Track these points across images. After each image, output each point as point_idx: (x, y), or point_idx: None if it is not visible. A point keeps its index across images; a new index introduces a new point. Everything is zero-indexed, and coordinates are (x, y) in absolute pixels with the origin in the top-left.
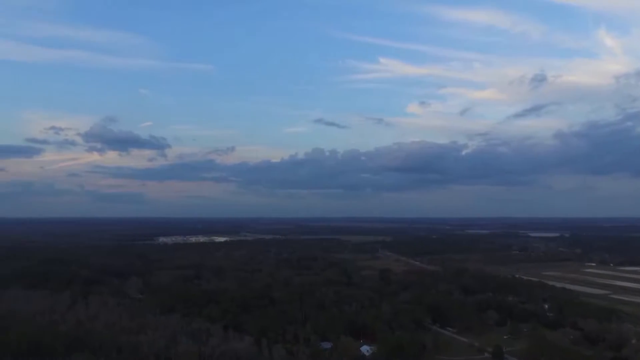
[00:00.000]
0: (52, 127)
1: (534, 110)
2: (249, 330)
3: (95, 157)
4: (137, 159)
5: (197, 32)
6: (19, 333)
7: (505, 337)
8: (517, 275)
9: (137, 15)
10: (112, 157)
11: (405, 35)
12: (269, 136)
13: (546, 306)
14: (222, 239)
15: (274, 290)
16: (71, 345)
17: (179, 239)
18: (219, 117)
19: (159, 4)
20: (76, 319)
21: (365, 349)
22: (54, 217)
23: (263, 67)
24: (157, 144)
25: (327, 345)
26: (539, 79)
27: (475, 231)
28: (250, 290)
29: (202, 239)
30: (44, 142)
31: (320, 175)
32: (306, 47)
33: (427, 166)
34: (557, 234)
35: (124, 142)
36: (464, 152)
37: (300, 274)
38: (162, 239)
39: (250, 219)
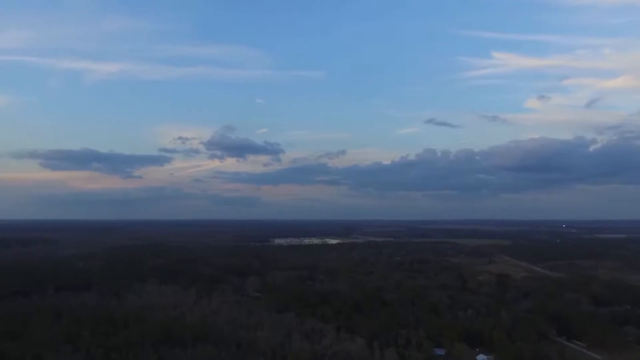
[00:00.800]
0: (180, 138)
1: None
2: (361, 331)
3: (216, 163)
4: (254, 164)
5: (308, 40)
6: (154, 322)
7: None
8: None
9: (252, 30)
10: (231, 163)
11: (521, 27)
12: (380, 138)
13: None
14: (334, 241)
15: (386, 292)
16: (196, 336)
17: (293, 240)
18: (330, 122)
19: (273, 18)
20: (201, 313)
21: (482, 358)
22: (182, 219)
23: (373, 70)
24: (272, 150)
25: (440, 351)
26: None
27: (607, 235)
28: (362, 292)
29: (315, 240)
30: (173, 151)
31: (432, 177)
32: (415, 46)
33: (548, 164)
34: None
35: (242, 149)
36: (591, 148)
37: (413, 277)
38: (277, 241)
39: (362, 221)
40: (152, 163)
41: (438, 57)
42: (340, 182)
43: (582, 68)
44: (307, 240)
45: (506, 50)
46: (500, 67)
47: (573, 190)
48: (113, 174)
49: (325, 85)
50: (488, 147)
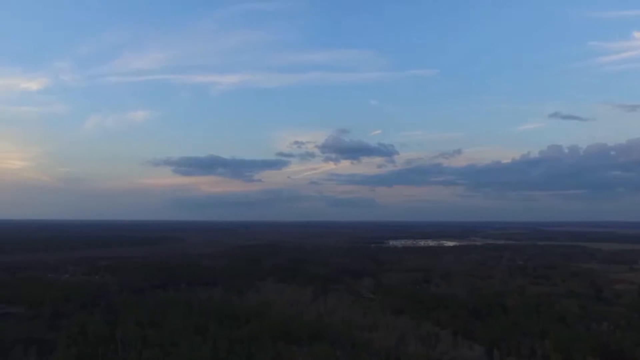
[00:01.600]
0: (296, 142)
1: None
2: (479, 338)
3: (331, 166)
4: (368, 166)
5: (419, 39)
6: (273, 319)
7: None
8: None
9: (364, 33)
10: (345, 166)
11: None
12: (498, 136)
13: None
14: (450, 243)
15: (507, 298)
16: (313, 334)
17: (408, 242)
18: (444, 121)
19: (383, 19)
20: (317, 312)
21: None
22: (299, 221)
23: (489, 63)
24: (386, 151)
25: None
26: None
27: None
28: (480, 297)
29: (430, 242)
30: (290, 155)
31: (558, 175)
32: (536, 34)
33: None
34: None
35: (355, 151)
36: None
37: (537, 283)
38: (392, 242)
39: (480, 222)
40: (270, 167)
41: (563, 44)
42: (456, 182)
43: None
44: (422, 242)
45: None
46: None
47: None
48: (236, 178)
49: (439, 83)
50: (626, 140)
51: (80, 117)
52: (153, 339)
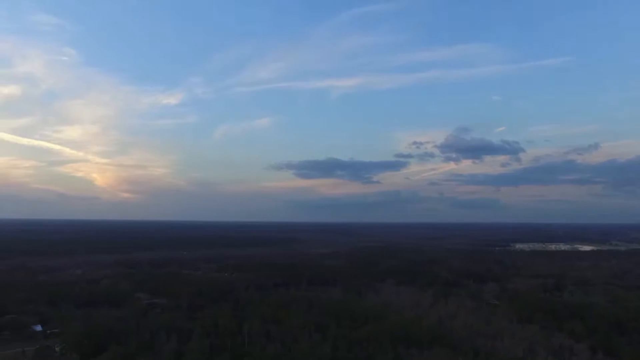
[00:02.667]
0: (414, 142)
1: None
2: (623, 356)
3: (451, 166)
4: (491, 165)
5: (549, 27)
6: (392, 321)
7: None
8: None
9: (483, 26)
10: (466, 165)
11: None
12: None
13: None
14: (587, 248)
15: None
16: (433, 339)
17: (536, 245)
18: (577, 114)
19: (503, 9)
20: (437, 316)
21: None
22: (418, 222)
23: (630, 47)
24: (510, 149)
25: None
26: None
27: None
28: (625, 309)
29: (563, 246)
30: (409, 156)
31: None
32: None
33: None
34: None
35: (477, 150)
36: None
37: None
38: (518, 245)
39: (623, 225)
40: (389, 168)
41: None
42: (592, 180)
43: None
44: (552, 246)
45: None
46: None
47: None
48: (354, 180)
49: (572, 72)
50: None
51: (210, 127)
52: (275, 335)
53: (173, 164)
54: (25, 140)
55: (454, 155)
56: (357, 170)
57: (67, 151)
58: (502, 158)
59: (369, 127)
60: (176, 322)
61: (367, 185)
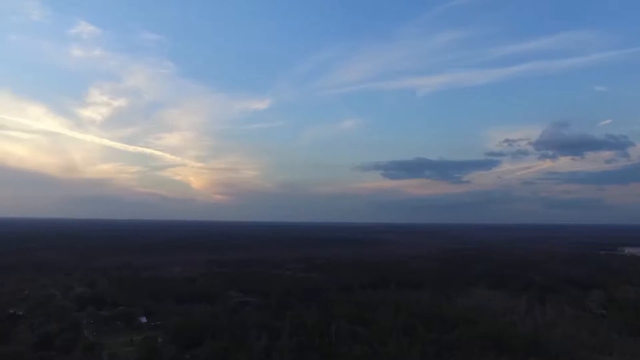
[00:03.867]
0: (506, 140)
1: None
2: None
3: (547, 164)
4: (593, 162)
5: None
6: (484, 326)
7: None
8: None
9: (581, 12)
10: (564, 163)
11: None
12: None
13: None
14: None
15: None
16: (528, 348)
17: None
18: None
19: None
20: (533, 324)
21: None
22: (511, 224)
23: None
24: (616, 144)
25: None
26: None
27: None
28: None
29: None
30: (500, 154)
31: None
32: None
33: None
34: None
35: (577, 146)
36: None
37: None
38: (627, 250)
39: None
40: (479, 168)
41: None
42: None
43: None
44: None
45: None
46: None
47: None
48: (443, 180)
49: None
50: None
51: (298, 129)
52: (363, 336)
53: (263, 167)
54: (131, 148)
55: (550, 152)
56: (445, 169)
57: (167, 156)
58: (606, 154)
59: (458, 125)
60: (266, 320)
61: (457, 185)
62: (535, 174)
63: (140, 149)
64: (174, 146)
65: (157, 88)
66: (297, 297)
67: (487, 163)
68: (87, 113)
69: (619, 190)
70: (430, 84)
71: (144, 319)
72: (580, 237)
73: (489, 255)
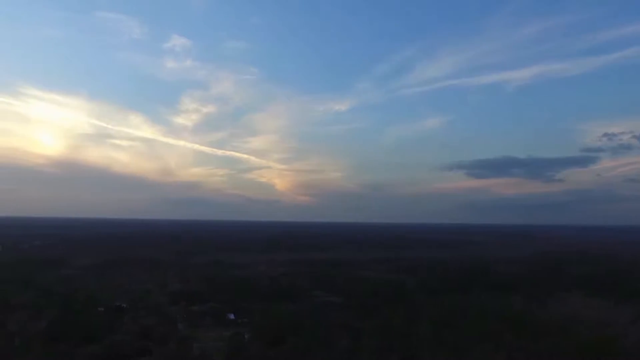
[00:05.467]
0: (605, 134)
1: None
2: None
3: None
4: None
5: None
6: (580, 336)
7: None
8: None
9: None
10: None
11: None
12: None
13: None
14: None
15: None
16: None
17: None
18: None
19: None
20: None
21: None
22: (613, 225)
23: None
24: None
25: None
26: None
27: None
28: None
29: None
30: (599, 150)
31: None
32: None
33: None
34: None
35: None
36: None
37: None
38: None
39: None
40: (574, 165)
41: None
42: None
43: None
44: None
45: None
46: None
47: None
48: (533, 179)
49: None
50: None
51: (380, 130)
52: (447, 340)
53: (345, 168)
54: (220, 152)
55: None
56: (536, 168)
57: (253, 159)
58: None
59: (550, 120)
60: (349, 321)
61: (549, 184)
62: None
63: (228, 153)
64: (259, 149)
65: (242, 94)
66: (381, 299)
67: (583, 160)
68: (179, 120)
69: None
70: (519, 78)
71: (232, 316)
72: None
73: (587, 259)
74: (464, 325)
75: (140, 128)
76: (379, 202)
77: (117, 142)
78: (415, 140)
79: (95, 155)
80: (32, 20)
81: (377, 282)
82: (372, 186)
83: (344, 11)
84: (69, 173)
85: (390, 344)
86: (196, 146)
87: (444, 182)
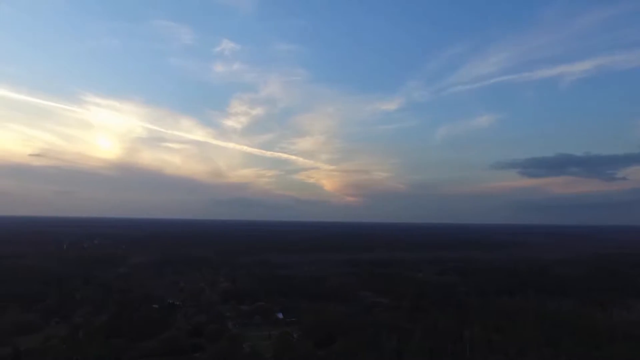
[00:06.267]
0: None
1: None
2: None
3: None
4: None
5: None
6: None
7: None
8: None
9: None
10: None
11: None
12: None
13: None
14: None
15: None
16: None
17: None
18: None
19: None
20: None
21: None
22: None
23: None
24: None
25: None
26: None
27: None
28: None
29: None
30: None
31: None
32: None
33: None
34: None
35: None
36: None
37: None
38: None
39: None
40: (636, 162)
41: None
42: None
43: None
44: None
45: None
46: None
47: None
48: (591, 177)
49: None
50: None
51: (429, 129)
52: (499, 345)
53: (394, 168)
54: (268, 153)
55: None
56: (594, 165)
57: (301, 160)
58: None
59: (610, 115)
60: (398, 322)
61: (609, 182)
62: None
63: (276, 154)
64: (306, 150)
65: (290, 95)
66: (430, 300)
67: None
68: (229, 123)
69: None
70: (575, 72)
71: (280, 315)
72: None
73: None
74: (517, 329)
75: (191, 131)
76: (428, 202)
77: (170, 145)
78: (465, 138)
79: (149, 158)
80: (91, 31)
81: (427, 283)
82: (421, 186)
83: (391, 9)
84: (125, 175)
85: (440, 346)
86: (245, 148)
87: (495, 181)
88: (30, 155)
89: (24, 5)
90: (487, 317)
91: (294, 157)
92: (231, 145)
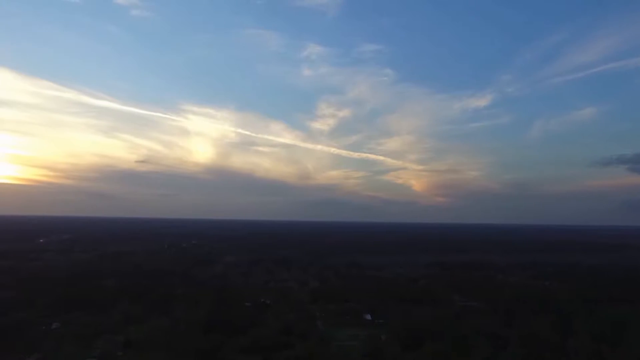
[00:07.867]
0: None
1: None
2: None
3: None
4: None
5: None
6: None
7: None
8: None
9: None
10: None
11: None
12: None
13: None
14: None
15: None
16: None
17: None
18: None
19: None
20: None
21: None
22: None
23: None
24: None
25: None
26: None
27: None
28: None
29: None
30: None
31: None
32: None
33: None
34: None
35: None
36: None
37: None
38: None
39: None
40: None
41: None
42: None
43: None
44: None
45: None
46: None
47: None
48: None
49: None
50: None
51: (523, 125)
52: (608, 356)
53: (486, 167)
54: (356, 154)
55: None
56: None
57: (389, 161)
58: None
59: None
60: (490, 327)
61: None
62: None
63: (364, 155)
64: (395, 150)
65: (377, 96)
66: (526, 306)
67: None
68: (316, 125)
69: None
70: None
71: (368, 316)
72: None
73: None
74: (629, 340)
75: (280, 135)
76: (524, 202)
77: (260, 148)
78: (565, 133)
79: (241, 161)
80: (187, 44)
81: (522, 287)
82: (516, 185)
83: (477, 2)
84: (219, 179)
85: (538, 355)
86: (333, 149)
87: (600, 179)
88: (137, 161)
89: (126, 25)
90: (595, 326)
91: (382, 158)
92: (319, 147)
